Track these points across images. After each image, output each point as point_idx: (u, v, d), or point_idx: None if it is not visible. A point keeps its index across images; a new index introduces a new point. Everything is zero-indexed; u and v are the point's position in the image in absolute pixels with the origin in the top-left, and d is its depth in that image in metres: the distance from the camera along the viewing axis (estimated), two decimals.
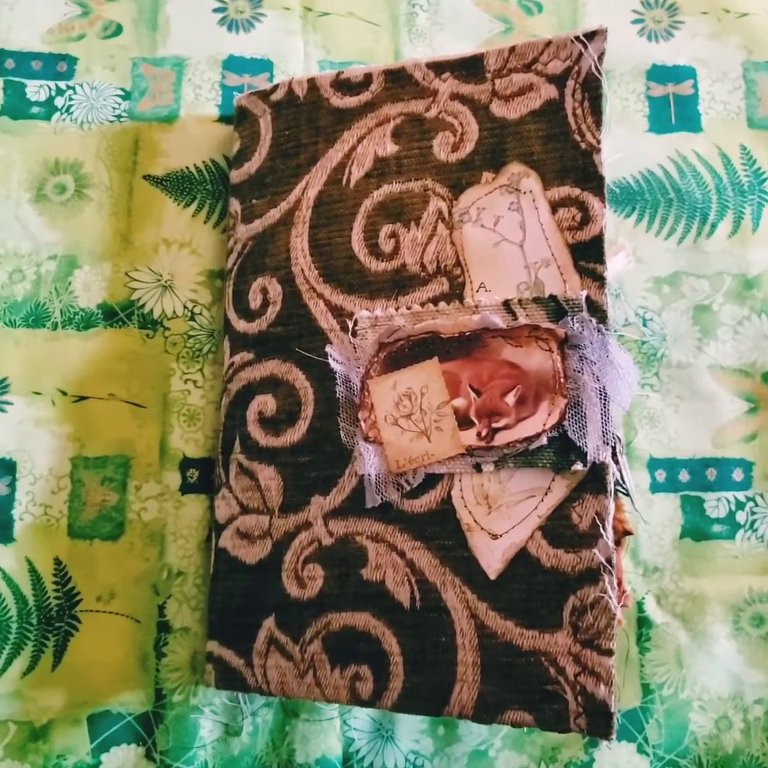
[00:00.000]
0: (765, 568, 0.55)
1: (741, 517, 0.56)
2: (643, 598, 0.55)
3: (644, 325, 0.57)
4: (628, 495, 0.47)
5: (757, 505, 0.56)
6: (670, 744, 0.53)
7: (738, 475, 0.56)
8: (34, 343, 0.57)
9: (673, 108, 0.61)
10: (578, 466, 0.45)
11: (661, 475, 0.56)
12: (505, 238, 0.48)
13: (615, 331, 0.56)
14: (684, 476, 0.56)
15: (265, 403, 0.52)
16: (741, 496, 0.56)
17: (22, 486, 0.55)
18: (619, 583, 0.46)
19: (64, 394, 0.56)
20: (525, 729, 0.53)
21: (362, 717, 0.54)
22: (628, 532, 0.48)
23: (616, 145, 0.58)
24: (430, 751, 0.54)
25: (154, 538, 0.55)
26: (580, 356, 0.46)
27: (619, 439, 0.46)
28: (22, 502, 0.55)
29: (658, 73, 0.62)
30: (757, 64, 0.62)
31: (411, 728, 0.54)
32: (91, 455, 0.56)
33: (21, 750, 0.52)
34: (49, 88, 0.61)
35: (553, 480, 0.45)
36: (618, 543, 0.47)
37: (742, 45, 0.62)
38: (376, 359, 0.49)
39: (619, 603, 0.45)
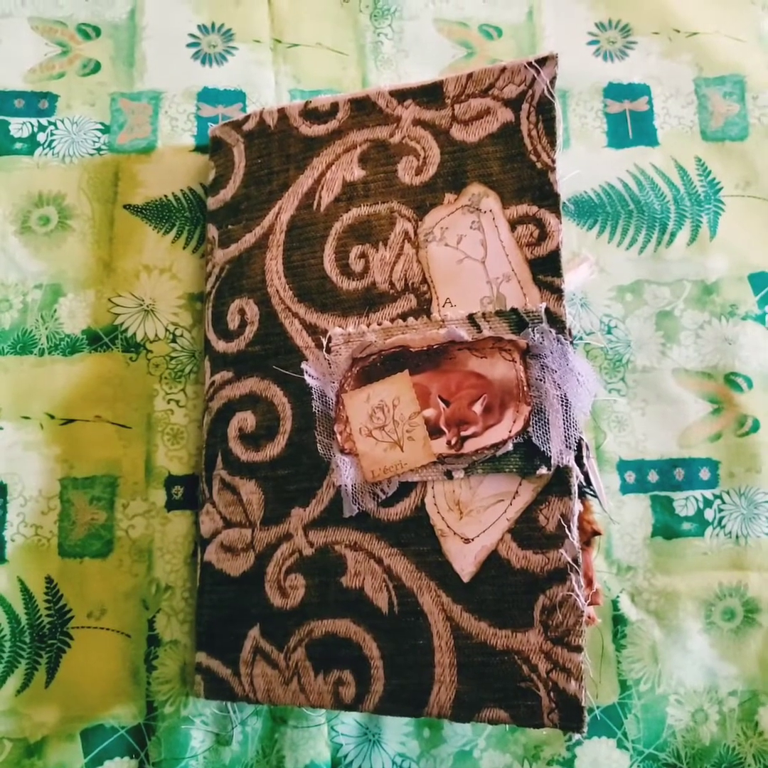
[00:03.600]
0: (734, 563, 0.57)
1: (709, 514, 0.57)
2: (618, 597, 0.56)
3: (609, 332, 0.59)
4: (595, 496, 0.49)
5: (724, 503, 0.57)
6: (649, 738, 0.55)
7: (705, 474, 0.58)
8: (21, 370, 0.58)
9: (630, 123, 0.63)
10: (543, 470, 0.46)
11: (630, 477, 0.58)
12: (468, 256, 0.50)
13: (581, 339, 0.58)
14: (653, 477, 0.58)
15: (245, 419, 0.53)
16: (708, 494, 0.57)
17: (13, 508, 0.56)
18: (590, 582, 0.47)
19: (52, 417, 0.58)
20: (508, 728, 0.54)
21: (349, 722, 0.55)
22: (596, 533, 0.49)
23: (576, 160, 0.61)
24: (416, 753, 0.55)
25: (142, 554, 0.56)
26: (542, 365, 0.47)
27: (586, 443, 0.48)
28: (13, 524, 0.56)
29: (614, 91, 0.64)
30: (708, 79, 0.64)
31: (397, 731, 0.55)
32: (79, 476, 0.57)
33: (16, 767, 0.53)
34: (32, 125, 0.63)
35: (520, 484, 0.47)
36: (588, 543, 0.48)
37: (694, 62, 0.64)
38: (349, 374, 0.51)
39: (589, 601, 0.46)
